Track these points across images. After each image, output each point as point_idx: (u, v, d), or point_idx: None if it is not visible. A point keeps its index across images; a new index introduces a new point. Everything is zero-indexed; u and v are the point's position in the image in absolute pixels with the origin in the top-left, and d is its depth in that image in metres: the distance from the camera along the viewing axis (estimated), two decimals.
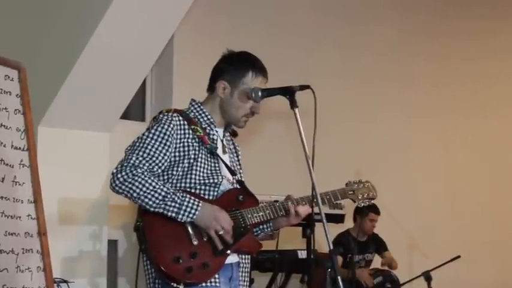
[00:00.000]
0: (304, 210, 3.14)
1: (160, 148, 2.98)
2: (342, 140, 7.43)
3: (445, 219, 7.96)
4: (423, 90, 8.18)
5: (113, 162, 5.30)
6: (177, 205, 2.90)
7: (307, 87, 2.99)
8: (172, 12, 4.99)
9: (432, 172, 8.07)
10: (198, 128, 3.07)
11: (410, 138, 8.02)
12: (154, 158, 2.96)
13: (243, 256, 3.14)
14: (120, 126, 5.58)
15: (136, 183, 2.89)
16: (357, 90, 7.80)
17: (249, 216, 3.05)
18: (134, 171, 2.90)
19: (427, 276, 6.64)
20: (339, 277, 2.76)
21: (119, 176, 2.91)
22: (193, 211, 2.91)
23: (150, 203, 2.89)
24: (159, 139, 2.98)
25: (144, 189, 2.89)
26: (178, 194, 2.92)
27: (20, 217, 3.88)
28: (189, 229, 2.92)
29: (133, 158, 2.94)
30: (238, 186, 3.14)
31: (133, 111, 6.49)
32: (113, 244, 5.79)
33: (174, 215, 2.89)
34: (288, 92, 2.99)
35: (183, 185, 3.02)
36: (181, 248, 2.90)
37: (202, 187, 3.03)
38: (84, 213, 5.20)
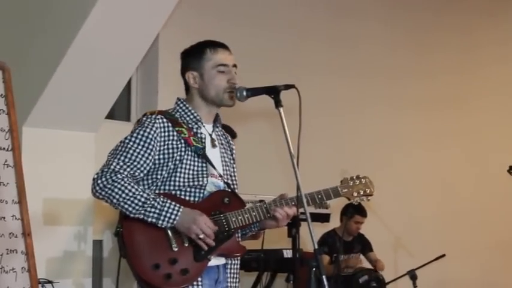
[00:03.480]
0: (283, 212, 3.07)
1: (142, 152, 2.96)
2: (328, 136, 7.45)
3: (430, 218, 7.99)
4: (409, 85, 8.20)
5: (98, 162, 5.32)
6: (157, 211, 2.88)
7: (292, 86, 2.99)
8: (157, 11, 4.99)
9: (418, 170, 8.10)
10: (183, 129, 3.04)
11: (396, 134, 8.04)
12: (135, 163, 2.94)
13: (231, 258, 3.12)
14: (106, 126, 5.57)
15: (116, 190, 2.87)
16: (343, 86, 7.81)
17: (234, 219, 3.00)
18: (114, 177, 2.88)
19: (412, 275, 6.66)
20: (324, 276, 2.76)
21: (99, 181, 2.90)
22: (173, 216, 2.88)
23: (130, 209, 2.88)
24: (142, 143, 2.96)
25: (123, 195, 2.87)
26: (158, 199, 2.90)
27: (4, 217, 3.87)
28: (170, 235, 2.90)
29: (114, 163, 2.92)
30: (226, 188, 3.10)
31: (119, 111, 6.47)
32: (98, 244, 5.78)
33: (154, 220, 2.87)
34: (273, 92, 2.99)
35: (167, 187, 3.00)
36: (161, 254, 2.88)
37: (187, 189, 3.00)
38: (69, 214, 5.18)
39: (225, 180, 3.11)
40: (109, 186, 2.88)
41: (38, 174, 4.73)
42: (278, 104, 2.97)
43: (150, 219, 2.87)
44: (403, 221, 7.75)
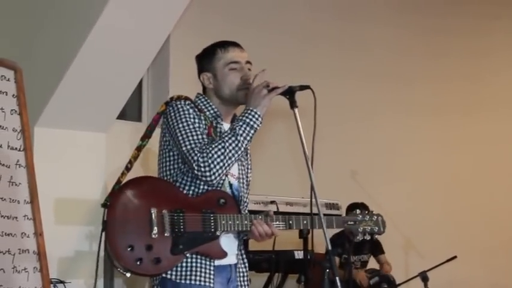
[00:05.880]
0: (261, 231, 3.00)
1: (197, 121, 2.99)
2: (337, 140, 7.43)
3: (441, 219, 7.97)
4: (419, 89, 8.20)
5: (109, 163, 5.35)
6: (247, 126, 2.95)
7: (307, 87, 2.99)
8: (168, 12, 4.99)
9: (428, 172, 8.08)
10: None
11: (406, 138, 8.03)
12: (201, 130, 2.98)
13: (240, 257, 3.11)
14: (117, 126, 5.58)
15: (218, 155, 2.89)
16: (352, 90, 7.82)
17: (223, 222, 2.96)
18: (205, 153, 2.89)
19: (423, 276, 6.63)
20: (337, 278, 2.74)
21: (206, 169, 2.88)
22: (256, 115, 2.96)
23: (239, 145, 2.93)
24: (191, 115, 2.99)
25: (228, 149, 2.90)
26: (235, 125, 2.95)
27: (16, 217, 3.87)
28: (154, 221, 2.87)
29: (194, 148, 2.91)
30: (228, 189, 3.08)
31: (130, 111, 6.49)
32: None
33: (256, 126, 2.96)
34: (288, 92, 2.99)
35: (180, 165, 3.00)
36: (139, 237, 2.86)
37: (194, 180, 3.00)
38: (81, 214, 5.19)
39: (230, 181, 3.09)
40: (211, 160, 2.88)
41: (49, 174, 4.74)
42: (293, 104, 2.97)
43: (253, 131, 2.97)
44: (414, 222, 7.73)
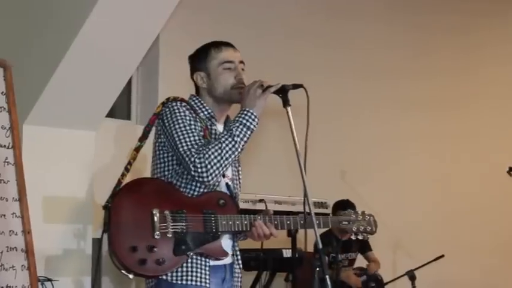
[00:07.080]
0: (260, 232, 3.04)
1: (193, 123, 3.00)
2: (327, 138, 7.43)
3: (429, 218, 7.99)
4: (409, 87, 8.20)
5: (98, 161, 5.35)
6: (244, 127, 2.96)
7: (300, 86, 3.01)
8: (158, 11, 4.99)
9: (418, 171, 8.10)
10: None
11: (396, 136, 8.04)
12: (197, 133, 2.98)
13: (235, 258, 3.13)
14: (106, 124, 5.58)
15: (215, 155, 2.90)
16: (343, 87, 7.82)
17: (224, 223, 2.98)
18: (201, 154, 2.89)
19: (411, 275, 6.67)
20: (327, 276, 2.75)
21: (203, 169, 2.89)
22: (252, 116, 2.98)
23: (236, 146, 2.93)
24: (187, 117, 2.99)
25: (224, 150, 2.91)
26: (233, 126, 2.96)
27: (4, 215, 3.87)
28: (156, 222, 2.87)
29: (191, 149, 2.92)
30: (226, 190, 3.11)
31: (119, 109, 6.48)
32: (97, 243, 5.78)
33: (253, 127, 2.97)
34: (281, 91, 3.01)
35: (174, 166, 3.01)
36: (142, 238, 2.86)
37: (190, 181, 3.00)
38: (69, 212, 5.18)
39: (227, 182, 3.12)
40: (208, 161, 2.89)
41: (38, 172, 4.73)
42: (286, 103, 2.99)
43: (250, 133, 2.97)
44: (403, 221, 7.74)
